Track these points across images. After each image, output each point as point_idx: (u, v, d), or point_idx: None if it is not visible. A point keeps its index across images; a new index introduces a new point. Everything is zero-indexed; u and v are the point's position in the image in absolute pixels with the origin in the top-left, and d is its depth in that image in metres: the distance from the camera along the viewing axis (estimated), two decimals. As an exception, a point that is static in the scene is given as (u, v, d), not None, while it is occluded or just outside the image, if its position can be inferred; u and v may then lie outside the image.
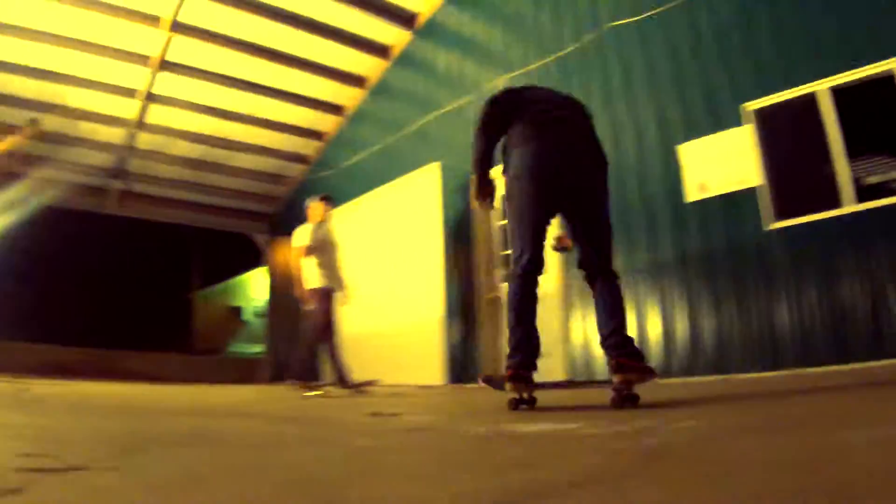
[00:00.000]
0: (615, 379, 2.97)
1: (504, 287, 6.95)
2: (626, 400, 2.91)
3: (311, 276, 6.64)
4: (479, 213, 7.51)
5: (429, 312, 8.07)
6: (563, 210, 3.30)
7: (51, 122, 9.57)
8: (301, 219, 6.99)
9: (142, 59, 8.84)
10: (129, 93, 9.41)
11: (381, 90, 9.78)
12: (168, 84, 9.42)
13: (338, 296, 6.76)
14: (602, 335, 3.08)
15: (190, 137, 10.57)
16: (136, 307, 13.21)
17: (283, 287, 12.07)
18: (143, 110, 9.81)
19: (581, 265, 3.27)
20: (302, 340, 6.77)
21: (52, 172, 10.21)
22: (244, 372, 11.76)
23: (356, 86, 9.99)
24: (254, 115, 10.27)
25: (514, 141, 3.30)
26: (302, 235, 6.75)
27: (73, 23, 8.12)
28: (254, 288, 16.90)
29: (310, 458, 1.78)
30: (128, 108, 9.72)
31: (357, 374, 9.12)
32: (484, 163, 3.34)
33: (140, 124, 10.07)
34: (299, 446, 2.11)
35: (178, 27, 8.39)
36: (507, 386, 3.11)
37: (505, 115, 3.33)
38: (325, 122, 10.74)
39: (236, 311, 14.15)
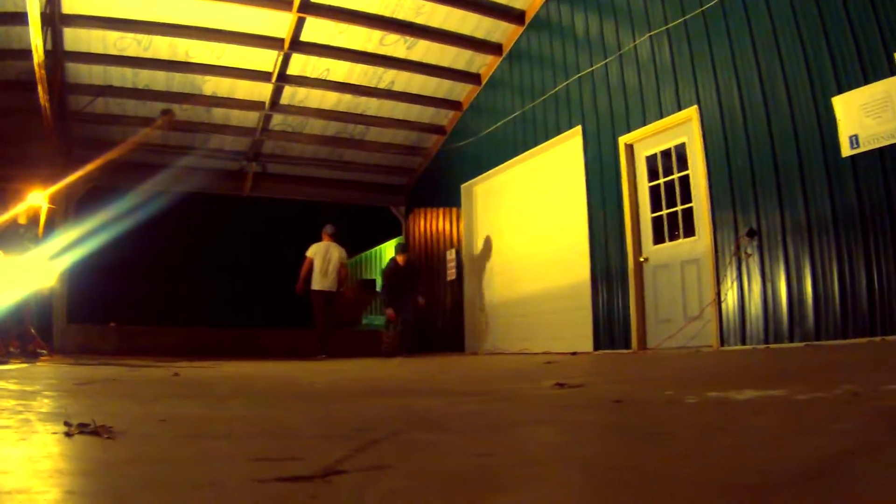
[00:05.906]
0: None
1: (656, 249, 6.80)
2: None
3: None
4: (628, 176, 7.24)
5: (576, 278, 7.94)
6: None
7: (185, 112, 10.01)
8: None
9: (273, 43, 8.91)
10: (262, 76, 9.54)
11: (518, 56, 9.42)
12: (300, 64, 9.51)
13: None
14: None
15: (324, 115, 10.67)
16: (268, 285, 13.36)
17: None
18: (276, 92, 9.96)
19: None
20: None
21: (189, 160, 10.69)
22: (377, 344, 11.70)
23: (492, 53, 9.66)
24: (388, 88, 10.19)
25: None
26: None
27: (202, 14, 8.31)
28: (386, 261, 17.27)
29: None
30: (261, 91, 9.90)
31: (509, 341, 9.19)
32: None
33: (273, 106, 10.25)
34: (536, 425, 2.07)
35: (307, 7, 8.36)
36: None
37: None
38: (461, 91, 10.53)
39: (369, 284, 14.35)
